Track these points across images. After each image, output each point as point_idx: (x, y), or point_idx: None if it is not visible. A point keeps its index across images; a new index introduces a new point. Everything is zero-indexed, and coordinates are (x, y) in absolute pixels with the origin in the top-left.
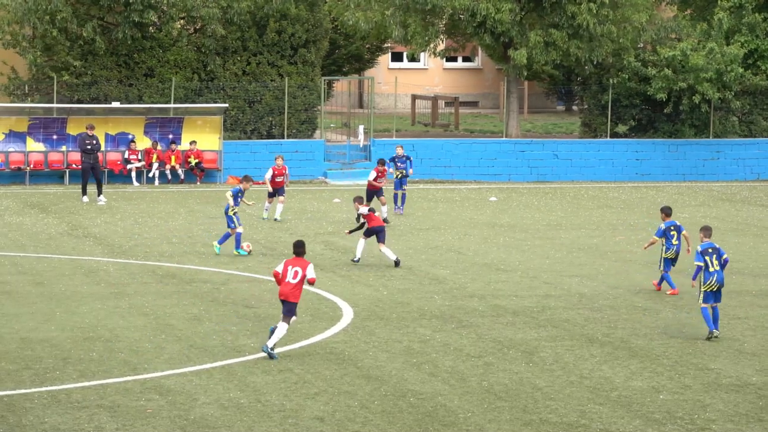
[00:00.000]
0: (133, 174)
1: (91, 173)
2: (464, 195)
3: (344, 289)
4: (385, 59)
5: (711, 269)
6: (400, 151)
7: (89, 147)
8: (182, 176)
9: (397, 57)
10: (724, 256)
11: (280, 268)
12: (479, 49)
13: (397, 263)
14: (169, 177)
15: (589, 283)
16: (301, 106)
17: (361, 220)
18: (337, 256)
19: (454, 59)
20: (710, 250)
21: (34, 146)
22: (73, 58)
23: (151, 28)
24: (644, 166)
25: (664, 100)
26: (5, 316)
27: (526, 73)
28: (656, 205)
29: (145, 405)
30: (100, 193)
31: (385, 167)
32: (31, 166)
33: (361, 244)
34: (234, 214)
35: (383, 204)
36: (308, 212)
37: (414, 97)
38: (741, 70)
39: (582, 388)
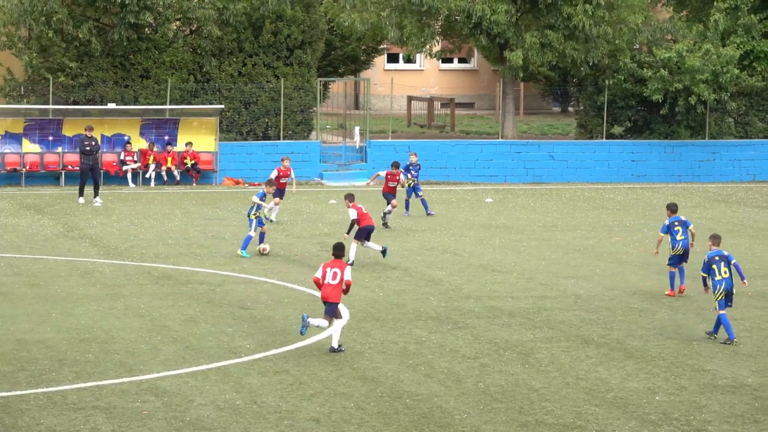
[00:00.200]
0: (129, 175)
1: (90, 174)
2: (460, 196)
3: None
4: (380, 60)
5: (718, 277)
6: (414, 159)
7: (88, 148)
8: (178, 177)
9: (393, 58)
10: (733, 262)
11: (319, 274)
12: (475, 50)
13: (384, 252)
14: (165, 178)
15: (585, 285)
16: (297, 107)
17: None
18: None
19: (450, 60)
20: (717, 258)
21: (30, 147)
22: (69, 60)
23: (146, 29)
24: (640, 168)
25: (660, 101)
26: (1, 317)
27: (521, 75)
28: (652, 206)
29: (141, 406)
30: (96, 194)
31: (398, 171)
32: (27, 167)
33: (353, 248)
34: (256, 217)
35: (394, 207)
36: (304, 213)
37: (410, 99)
38: (737, 71)
39: (578, 389)
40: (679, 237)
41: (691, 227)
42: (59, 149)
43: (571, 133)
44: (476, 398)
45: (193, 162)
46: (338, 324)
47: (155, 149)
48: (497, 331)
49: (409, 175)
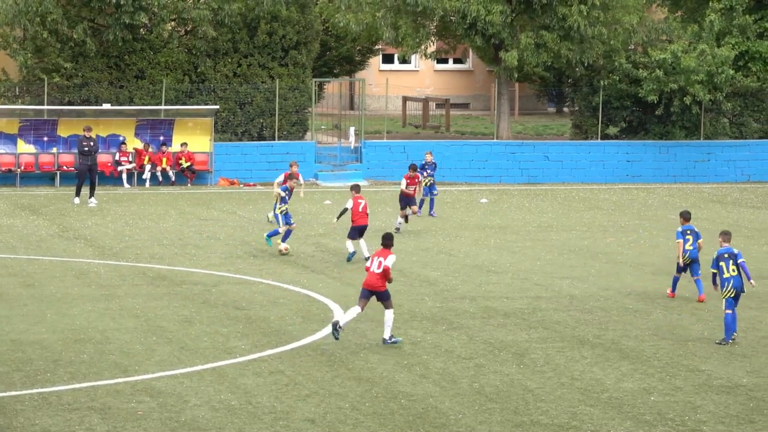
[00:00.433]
0: (124, 176)
1: (87, 175)
2: (455, 197)
3: (335, 290)
4: (376, 61)
5: (726, 275)
6: (429, 158)
7: (86, 149)
8: (173, 178)
9: (388, 59)
10: (740, 261)
11: (368, 263)
12: (470, 50)
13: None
14: (160, 179)
15: (580, 285)
16: (292, 107)
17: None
18: (327, 257)
19: (445, 61)
20: (726, 256)
21: (25, 148)
22: (64, 60)
23: (141, 29)
24: (635, 168)
25: (655, 101)
26: None
27: (517, 75)
28: (647, 206)
29: (136, 407)
30: (92, 195)
31: (417, 173)
32: (22, 167)
33: (348, 245)
34: (282, 213)
35: (414, 213)
36: (299, 214)
37: (405, 99)
38: (732, 71)
39: (573, 389)
40: (688, 246)
41: (700, 241)
42: (54, 150)
43: (566, 133)
44: (471, 398)
45: (188, 163)
46: (389, 316)
47: (150, 150)
48: (492, 331)
49: (425, 173)
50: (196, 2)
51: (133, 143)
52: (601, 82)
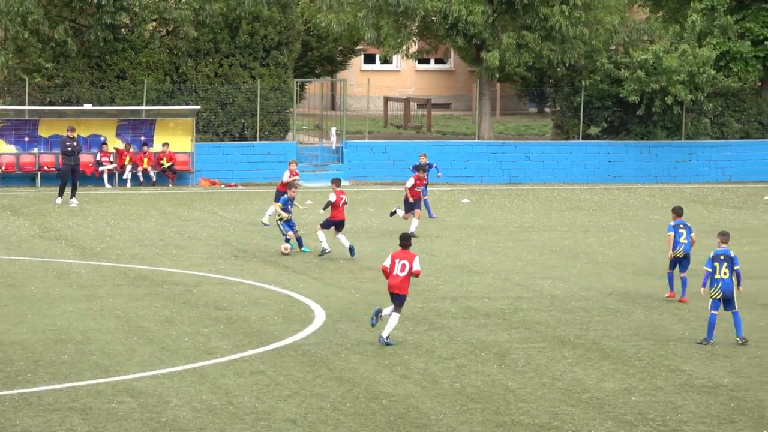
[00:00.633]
0: (105, 176)
1: (70, 175)
2: (436, 197)
3: (316, 290)
4: (357, 61)
5: (717, 276)
6: (423, 160)
7: (70, 149)
8: (154, 178)
9: (369, 59)
10: (736, 267)
11: (387, 263)
12: (452, 51)
13: (351, 250)
14: (141, 179)
15: (561, 285)
16: (274, 108)
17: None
18: (308, 257)
19: (427, 61)
20: (722, 257)
21: (6, 148)
22: (45, 60)
23: (123, 30)
24: (616, 168)
25: (637, 102)
26: None
27: (498, 75)
28: (628, 206)
29: (117, 407)
30: (73, 195)
31: (424, 175)
32: (3, 168)
33: (321, 236)
34: (281, 221)
35: (417, 217)
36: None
37: (386, 99)
38: (713, 72)
39: (554, 389)
40: (682, 240)
41: (693, 234)
42: (35, 150)
43: (548, 133)
44: (452, 399)
45: (169, 163)
46: (394, 319)
47: (131, 150)
48: (473, 331)
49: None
50: (178, 2)
51: (115, 143)
52: (583, 83)
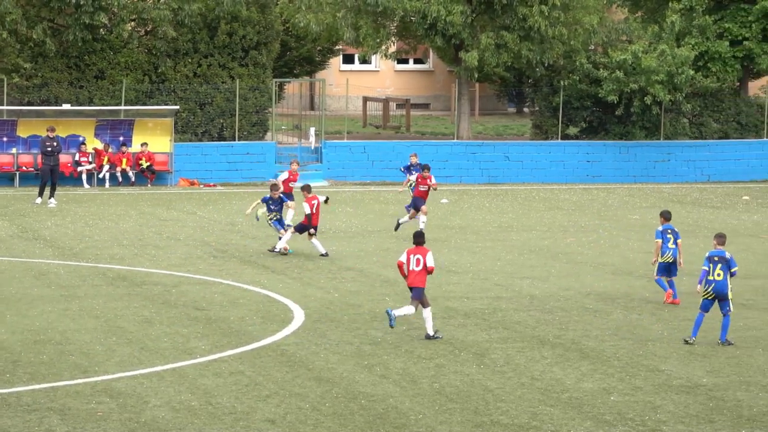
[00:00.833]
0: (84, 176)
1: (50, 175)
2: None
3: (295, 291)
4: (336, 61)
5: (710, 277)
6: (414, 160)
7: (50, 149)
8: (133, 178)
9: (348, 59)
10: (733, 269)
11: (403, 258)
12: (430, 51)
13: (325, 255)
14: (120, 179)
15: (540, 285)
16: (252, 108)
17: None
18: (287, 258)
19: (406, 61)
20: (716, 258)
21: None
22: (23, 60)
23: (101, 30)
24: (595, 168)
25: (615, 102)
26: None
27: (477, 75)
28: (607, 206)
29: (96, 408)
30: (52, 195)
31: (429, 174)
32: None
33: (288, 236)
34: (274, 219)
35: (424, 213)
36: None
37: (365, 99)
38: (692, 72)
39: (533, 389)
40: (670, 245)
41: (679, 241)
42: (13, 150)
43: (527, 133)
44: (431, 399)
45: (148, 163)
46: (427, 312)
47: (110, 150)
48: (452, 331)
49: (409, 177)
50: (156, 2)
51: (93, 143)
52: (562, 83)
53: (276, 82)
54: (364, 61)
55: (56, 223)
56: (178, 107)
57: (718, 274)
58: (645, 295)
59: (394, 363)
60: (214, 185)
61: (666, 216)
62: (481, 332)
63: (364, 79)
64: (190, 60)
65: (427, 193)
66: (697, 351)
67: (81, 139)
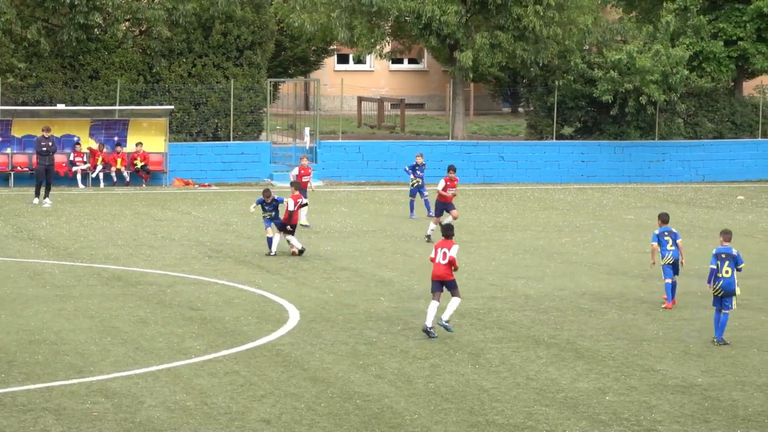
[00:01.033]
0: (79, 176)
1: (45, 175)
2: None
3: (290, 291)
4: (330, 61)
5: (719, 274)
6: (420, 160)
7: (44, 149)
8: (128, 178)
9: (343, 59)
10: (740, 265)
11: (432, 253)
12: (425, 51)
13: (301, 252)
14: (115, 179)
15: (535, 285)
16: (247, 108)
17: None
18: (282, 258)
19: (400, 61)
20: (723, 255)
21: None
22: (18, 60)
23: (96, 30)
24: (590, 168)
25: (610, 101)
26: None
27: (472, 75)
28: (602, 206)
29: (91, 408)
30: (47, 195)
31: (455, 176)
32: None
33: (277, 239)
34: (265, 219)
35: (455, 218)
36: (255, 215)
37: (360, 99)
38: (686, 72)
39: (528, 389)
40: (669, 247)
41: (679, 241)
42: (8, 150)
43: (521, 133)
44: (427, 398)
45: (143, 163)
46: (455, 302)
47: (105, 150)
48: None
49: (412, 176)
50: (151, 2)
51: (88, 143)
52: (556, 83)
53: (271, 82)
54: (359, 61)
55: (51, 223)
56: (172, 107)
57: (726, 271)
58: (640, 295)
59: (390, 363)
60: (209, 185)
61: (663, 218)
62: (476, 332)
63: (359, 79)
64: (184, 60)
65: (452, 198)
66: (693, 351)
67: (76, 139)
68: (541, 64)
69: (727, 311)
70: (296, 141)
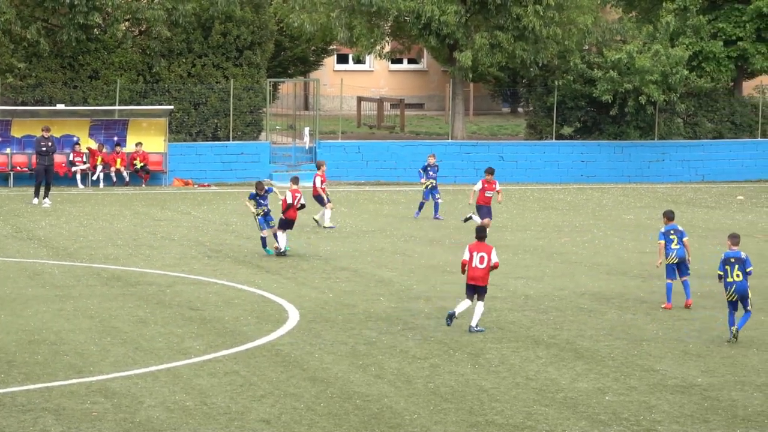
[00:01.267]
0: (78, 176)
1: (44, 175)
2: (410, 197)
3: (290, 291)
4: (330, 61)
5: (729, 279)
6: (432, 160)
7: (44, 149)
8: (127, 178)
9: (342, 59)
10: (749, 269)
11: (466, 256)
12: (425, 51)
13: (284, 253)
14: (114, 179)
15: (535, 285)
16: (247, 108)
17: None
18: (282, 258)
19: (400, 61)
20: (732, 260)
21: None
22: (18, 60)
23: (95, 30)
24: (589, 168)
25: (610, 101)
26: None
27: (471, 75)
28: (601, 206)
29: (91, 408)
30: (46, 195)
31: (493, 178)
32: None
33: (282, 238)
34: (258, 216)
35: (488, 225)
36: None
37: (359, 99)
38: (686, 72)
39: (528, 389)
40: (674, 246)
41: (686, 239)
42: (8, 150)
43: (521, 133)
44: (426, 399)
45: (142, 163)
46: (481, 307)
47: (104, 150)
48: (447, 331)
49: (424, 179)
50: (151, 2)
51: (88, 144)
52: (556, 83)
53: (270, 82)
54: (359, 61)
55: (51, 223)
56: (172, 107)
57: (737, 275)
58: (639, 295)
59: (389, 363)
60: (209, 185)
61: (669, 216)
62: (475, 332)
63: (359, 79)
64: (184, 60)
65: (491, 200)
66: (692, 351)
67: (75, 139)
68: (540, 64)
69: (748, 311)
70: (296, 141)
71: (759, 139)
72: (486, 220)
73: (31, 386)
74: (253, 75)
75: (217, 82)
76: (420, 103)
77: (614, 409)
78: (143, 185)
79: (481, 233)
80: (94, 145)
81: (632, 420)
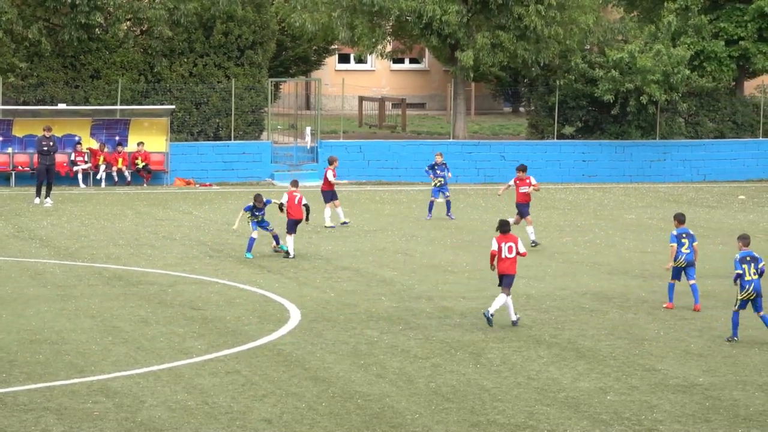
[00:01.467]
0: (80, 176)
1: (45, 175)
2: (411, 196)
3: (291, 290)
4: (332, 61)
5: (747, 278)
6: (439, 159)
7: (45, 149)
8: (129, 178)
9: (344, 59)
10: (761, 265)
11: (495, 247)
12: (426, 50)
13: (287, 255)
14: (116, 179)
15: (537, 285)
16: (248, 107)
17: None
18: (283, 257)
19: (401, 61)
20: (748, 259)
21: None
22: (19, 60)
23: (97, 29)
24: (591, 168)
25: (611, 101)
26: None
27: (473, 75)
28: (603, 206)
29: (92, 407)
30: (48, 195)
31: (526, 174)
32: None
33: (291, 241)
34: (251, 222)
35: (529, 223)
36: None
37: (361, 99)
38: (687, 71)
39: (529, 389)
40: (684, 249)
41: (696, 244)
42: (9, 150)
43: (522, 133)
44: (428, 398)
45: (144, 163)
46: (503, 298)
47: (106, 150)
48: (449, 331)
49: (432, 176)
50: (152, 2)
51: (89, 143)
52: (557, 82)
53: (272, 81)
54: (360, 60)
55: (52, 222)
56: (173, 107)
57: (754, 273)
58: (641, 295)
59: (391, 362)
60: (210, 185)
61: (680, 219)
62: (477, 332)
63: (360, 79)
64: (185, 59)
65: (529, 195)
66: (694, 350)
67: (77, 138)
68: (542, 64)
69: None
70: (297, 141)
71: (760, 138)
72: (517, 217)
73: (33, 386)
74: (255, 74)
75: (218, 82)
76: (421, 103)
77: (616, 408)
78: (145, 185)
79: (505, 227)
80: (95, 145)
81: (634, 420)
